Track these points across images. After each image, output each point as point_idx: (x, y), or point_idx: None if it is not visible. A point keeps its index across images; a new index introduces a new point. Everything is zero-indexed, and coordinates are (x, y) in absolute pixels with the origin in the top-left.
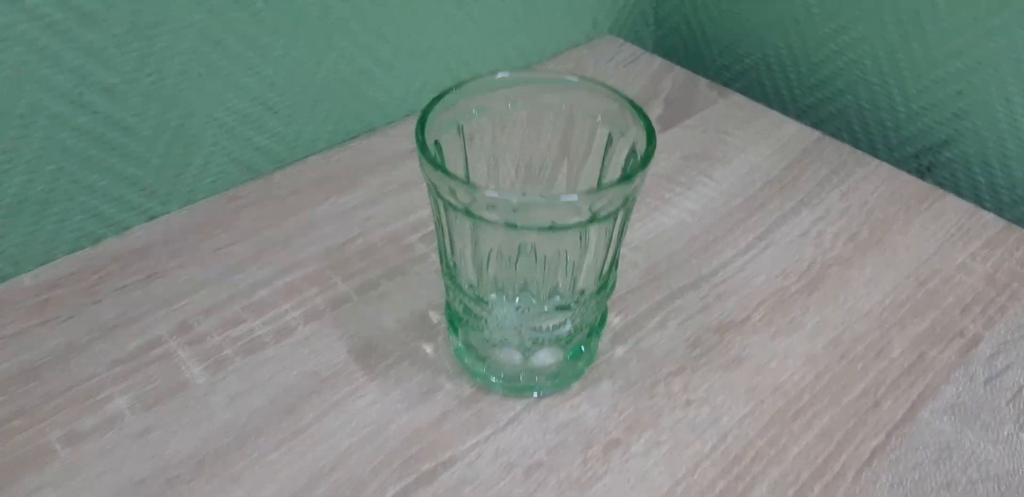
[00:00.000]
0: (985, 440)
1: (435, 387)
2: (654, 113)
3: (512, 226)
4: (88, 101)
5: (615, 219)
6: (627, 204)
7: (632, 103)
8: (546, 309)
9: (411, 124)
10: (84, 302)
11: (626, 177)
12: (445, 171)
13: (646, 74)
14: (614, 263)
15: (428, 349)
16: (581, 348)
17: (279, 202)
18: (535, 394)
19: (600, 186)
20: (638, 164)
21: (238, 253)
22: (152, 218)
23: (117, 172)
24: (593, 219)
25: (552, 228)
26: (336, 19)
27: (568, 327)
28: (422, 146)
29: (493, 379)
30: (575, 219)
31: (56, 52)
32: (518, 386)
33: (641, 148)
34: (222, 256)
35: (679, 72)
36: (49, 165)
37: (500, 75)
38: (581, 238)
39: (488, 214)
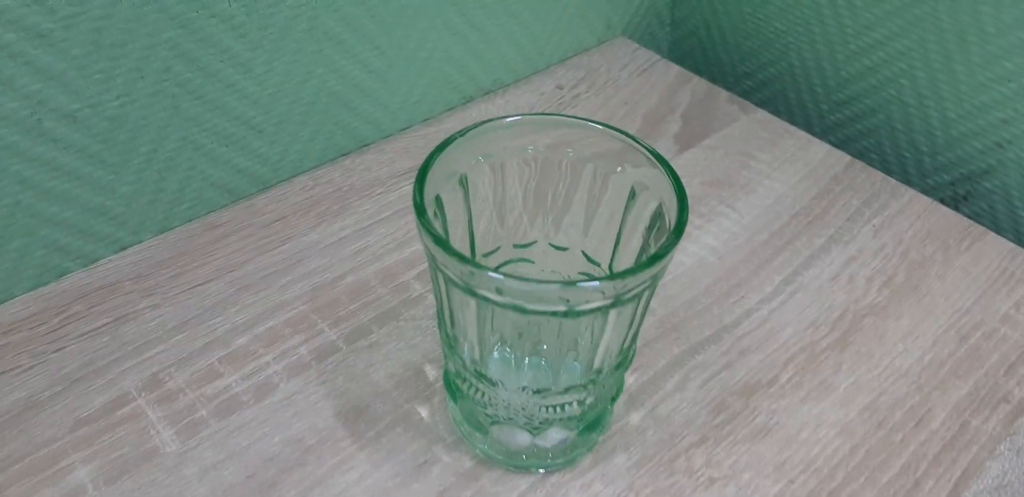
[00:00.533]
0: None
1: (431, 459)
2: (671, 130)
3: (520, 310)
4: (47, 128)
5: (640, 299)
6: (655, 282)
7: (659, 157)
8: (558, 389)
9: (407, 139)
10: (46, 349)
11: (656, 256)
12: (446, 247)
13: (662, 84)
14: (635, 337)
15: (423, 413)
16: (596, 420)
17: (262, 230)
18: (541, 470)
19: (622, 272)
20: (668, 234)
21: (216, 292)
22: (123, 249)
23: (82, 203)
24: (616, 303)
25: (567, 314)
26: (325, 30)
27: (584, 405)
28: (420, 209)
29: (495, 454)
30: (595, 304)
31: (9, 77)
32: (523, 463)
33: (671, 213)
34: (198, 295)
35: (697, 83)
36: (5, 199)
37: (510, 119)
38: (600, 318)
39: (494, 296)
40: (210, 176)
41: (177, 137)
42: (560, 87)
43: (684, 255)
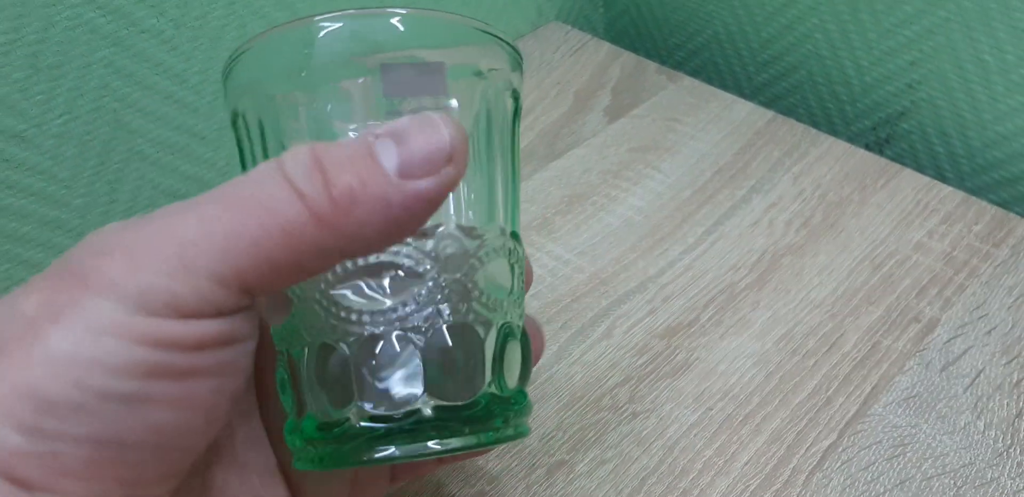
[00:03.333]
0: (941, 432)
1: None
2: (601, 104)
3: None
4: None
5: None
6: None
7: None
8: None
9: None
10: None
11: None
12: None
13: (593, 62)
14: (513, 203)
15: None
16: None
17: None
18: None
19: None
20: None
21: None
22: None
23: (39, 217)
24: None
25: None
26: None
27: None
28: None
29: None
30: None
31: None
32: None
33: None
34: None
35: (627, 58)
36: None
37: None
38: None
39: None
40: (160, 184)
41: (123, 149)
42: None
43: (612, 217)
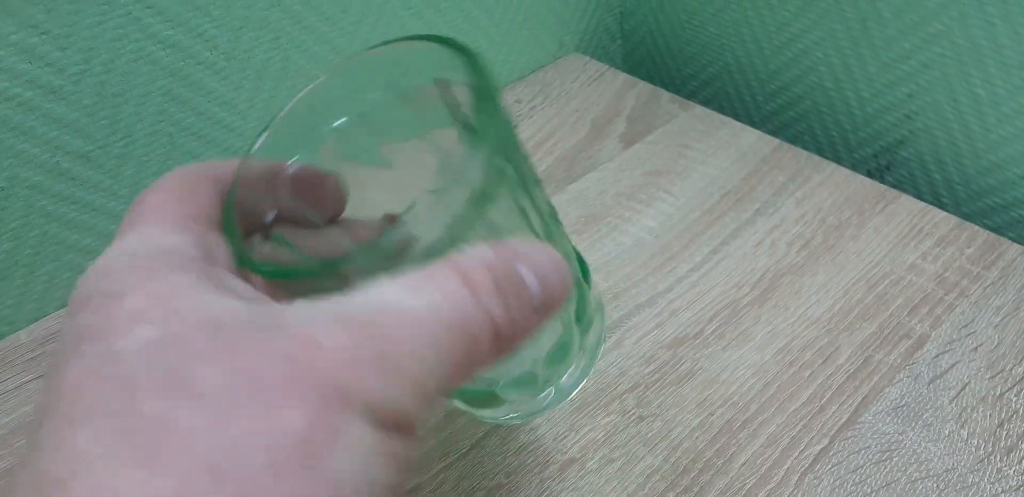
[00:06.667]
0: (926, 439)
1: None
2: (616, 131)
3: None
4: (65, 169)
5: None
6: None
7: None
8: None
9: None
10: None
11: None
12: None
13: (610, 91)
14: None
15: None
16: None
17: None
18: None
19: None
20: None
21: None
22: None
23: (100, 230)
24: None
25: None
26: (297, 68)
27: None
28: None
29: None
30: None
31: (30, 127)
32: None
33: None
34: None
35: (643, 87)
36: (33, 231)
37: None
38: None
39: None
40: None
41: None
42: (519, 101)
43: (624, 237)
